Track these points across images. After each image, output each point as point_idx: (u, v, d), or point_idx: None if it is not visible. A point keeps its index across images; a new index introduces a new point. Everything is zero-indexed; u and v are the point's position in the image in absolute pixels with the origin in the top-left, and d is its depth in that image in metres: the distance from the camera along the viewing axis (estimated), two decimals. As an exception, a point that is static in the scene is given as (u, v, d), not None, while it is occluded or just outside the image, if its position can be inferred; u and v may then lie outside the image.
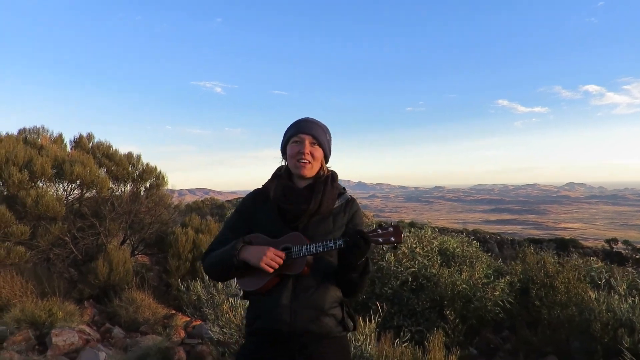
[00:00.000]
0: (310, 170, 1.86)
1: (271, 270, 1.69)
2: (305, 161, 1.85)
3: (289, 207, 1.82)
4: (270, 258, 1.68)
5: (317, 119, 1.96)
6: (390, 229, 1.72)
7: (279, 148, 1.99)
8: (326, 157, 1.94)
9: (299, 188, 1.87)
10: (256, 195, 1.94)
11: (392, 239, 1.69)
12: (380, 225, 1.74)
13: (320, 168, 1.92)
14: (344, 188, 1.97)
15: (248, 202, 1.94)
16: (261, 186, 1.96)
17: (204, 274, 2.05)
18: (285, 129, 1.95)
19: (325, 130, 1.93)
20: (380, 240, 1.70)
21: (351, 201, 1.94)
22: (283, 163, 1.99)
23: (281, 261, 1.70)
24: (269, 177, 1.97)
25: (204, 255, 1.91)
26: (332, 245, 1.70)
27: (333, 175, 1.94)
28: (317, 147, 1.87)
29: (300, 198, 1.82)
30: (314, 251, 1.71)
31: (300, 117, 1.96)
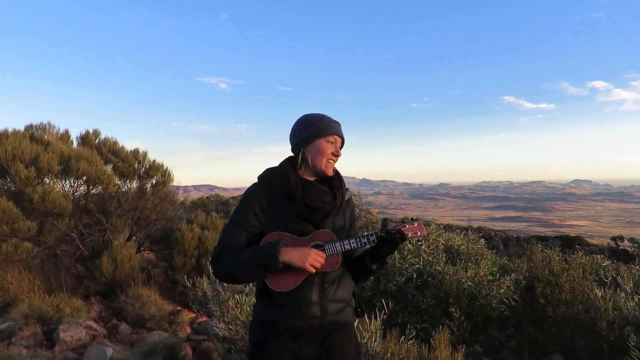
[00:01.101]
0: (332, 171, 1.88)
1: (314, 271, 1.70)
2: (333, 162, 1.87)
3: (319, 205, 1.80)
4: (314, 259, 1.68)
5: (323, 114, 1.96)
6: (415, 223, 1.83)
7: (293, 140, 1.89)
8: None
9: (321, 185, 1.86)
10: (267, 190, 1.82)
11: (419, 232, 1.82)
12: (403, 221, 1.86)
13: None
14: None
15: (260, 197, 1.80)
16: (262, 178, 1.86)
17: (215, 276, 1.81)
18: (305, 121, 1.88)
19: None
20: (410, 234, 1.81)
21: (351, 199, 2.00)
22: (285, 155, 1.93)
23: (323, 261, 1.71)
24: (277, 167, 1.87)
25: (216, 256, 1.75)
26: (366, 241, 1.78)
27: (339, 174, 1.96)
28: (339, 150, 1.90)
29: (327, 196, 1.84)
30: (348, 248, 1.75)
31: (319, 113, 1.91)
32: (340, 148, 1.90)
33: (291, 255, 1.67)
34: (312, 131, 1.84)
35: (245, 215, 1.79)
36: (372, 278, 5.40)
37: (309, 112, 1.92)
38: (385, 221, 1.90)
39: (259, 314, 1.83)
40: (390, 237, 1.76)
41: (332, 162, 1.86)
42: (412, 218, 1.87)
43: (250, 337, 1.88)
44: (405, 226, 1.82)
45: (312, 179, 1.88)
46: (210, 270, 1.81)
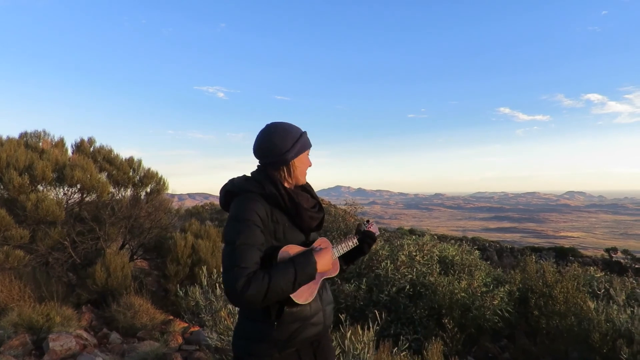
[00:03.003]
0: None
1: (335, 274, 1.84)
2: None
3: (316, 215, 1.87)
4: (334, 263, 1.81)
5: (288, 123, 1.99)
6: (374, 224, 2.08)
7: (276, 152, 1.80)
8: None
9: (304, 194, 1.92)
10: (263, 202, 1.74)
11: (377, 233, 2.05)
12: (361, 224, 2.07)
13: None
14: None
15: (261, 211, 1.71)
16: (248, 189, 1.76)
17: (248, 303, 1.55)
18: (289, 134, 1.83)
19: None
20: (376, 234, 2.05)
21: None
22: (258, 169, 1.88)
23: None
24: (262, 183, 1.78)
25: (237, 281, 1.53)
26: (352, 244, 1.95)
27: None
28: None
29: (315, 205, 1.92)
30: (342, 252, 1.90)
31: (279, 123, 1.88)
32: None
33: (322, 263, 1.71)
34: (300, 145, 1.85)
35: (253, 233, 1.66)
36: (364, 288, 5.38)
37: (276, 123, 1.86)
38: (359, 225, 2.05)
39: (260, 334, 1.73)
40: (367, 240, 1.97)
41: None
42: (367, 220, 2.09)
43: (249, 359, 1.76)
44: (370, 227, 2.04)
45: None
46: (224, 292, 1.66)
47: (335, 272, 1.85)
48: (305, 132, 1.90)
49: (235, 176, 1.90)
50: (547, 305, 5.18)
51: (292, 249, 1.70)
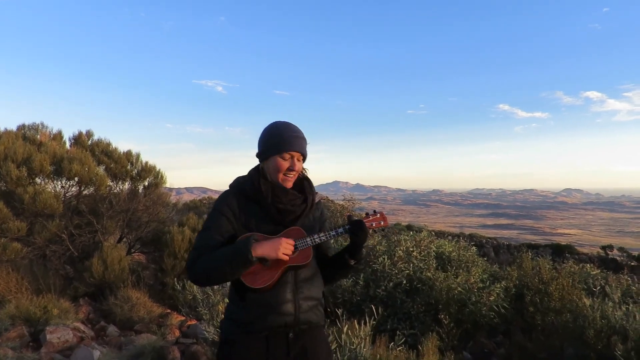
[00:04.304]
0: (292, 183, 1.94)
1: (287, 259, 1.77)
2: (291, 176, 1.92)
3: (289, 208, 1.89)
4: (285, 247, 1.75)
5: (295, 125, 1.97)
6: (378, 214, 1.99)
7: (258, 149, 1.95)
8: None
9: (291, 190, 1.93)
10: (237, 196, 1.90)
11: (382, 222, 1.98)
12: (367, 214, 1.99)
13: None
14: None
15: (231, 203, 1.88)
16: (233, 186, 1.94)
17: (191, 280, 1.84)
18: (266, 134, 1.92)
19: (306, 141, 1.98)
20: (374, 224, 1.96)
21: (319, 202, 2.08)
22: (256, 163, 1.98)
23: (293, 248, 1.79)
24: (246, 175, 1.96)
25: (192, 261, 1.79)
26: (334, 234, 1.88)
27: (309, 178, 2.03)
28: (301, 161, 1.95)
29: (297, 199, 1.93)
30: (318, 241, 1.85)
31: (280, 122, 1.95)
32: (304, 160, 1.96)
33: (263, 248, 1.74)
34: (268, 147, 1.90)
35: (218, 220, 1.86)
36: (362, 283, 5.40)
37: (277, 121, 1.97)
38: (350, 216, 1.99)
39: (233, 314, 1.87)
40: (354, 229, 1.88)
41: (290, 177, 1.91)
42: (374, 210, 2.01)
43: (220, 336, 1.93)
44: (369, 217, 1.97)
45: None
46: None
47: (303, 261, 1.81)
48: (286, 136, 1.89)
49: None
50: (542, 302, 5.21)
51: (245, 237, 1.80)
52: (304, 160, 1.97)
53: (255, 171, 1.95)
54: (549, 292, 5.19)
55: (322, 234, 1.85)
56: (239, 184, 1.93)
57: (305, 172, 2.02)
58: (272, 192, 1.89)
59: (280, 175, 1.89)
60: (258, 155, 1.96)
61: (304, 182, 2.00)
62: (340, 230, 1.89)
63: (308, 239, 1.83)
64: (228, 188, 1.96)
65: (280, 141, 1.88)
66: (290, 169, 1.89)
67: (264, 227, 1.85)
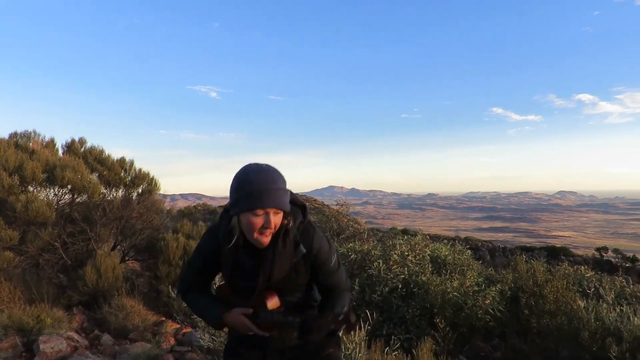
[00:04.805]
0: (269, 238, 1.68)
1: (251, 333, 1.77)
2: (268, 233, 1.66)
3: (241, 285, 1.78)
4: (245, 328, 1.74)
5: (273, 168, 1.69)
6: (344, 323, 1.70)
7: (230, 194, 1.70)
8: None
9: (248, 263, 1.74)
10: (218, 242, 1.76)
11: (343, 327, 1.72)
12: (338, 314, 1.73)
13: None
14: (307, 222, 1.79)
15: (211, 248, 1.80)
16: (212, 231, 1.82)
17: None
18: (236, 185, 1.66)
19: (285, 186, 1.70)
20: (332, 327, 1.68)
21: (310, 250, 1.77)
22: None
23: (255, 326, 1.74)
24: (223, 222, 1.75)
25: (181, 292, 1.96)
26: (290, 319, 1.68)
27: (287, 231, 1.71)
28: (280, 213, 1.67)
29: (249, 274, 1.74)
30: (277, 318, 1.71)
31: (252, 168, 1.67)
32: (286, 212, 1.69)
33: (232, 321, 1.78)
34: (238, 201, 1.65)
35: (198, 259, 1.89)
36: (357, 288, 5.40)
37: (249, 165, 1.69)
38: (306, 316, 1.73)
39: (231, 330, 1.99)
40: (303, 329, 1.67)
41: (266, 233, 1.65)
42: (347, 314, 1.74)
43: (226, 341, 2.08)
44: (337, 318, 1.70)
45: None
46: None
47: (265, 331, 1.74)
48: (256, 190, 1.61)
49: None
50: (537, 304, 5.22)
51: (222, 291, 1.89)
52: (285, 211, 1.68)
53: (224, 227, 1.74)
54: (543, 294, 5.20)
55: (281, 314, 1.71)
56: (213, 231, 1.82)
57: (289, 221, 1.71)
58: (231, 264, 1.75)
59: (255, 234, 1.65)
60: (229, 209, 1.71)
61: (269, 248, 1.69)
62: (297, 320, 1.67)
63: (268, 314, 1.72)
64: (210, 229, 1.88)
65: (251, 195, 1.61)
66: (265, 226, 1.63)
67: (238, 280, 1.79)
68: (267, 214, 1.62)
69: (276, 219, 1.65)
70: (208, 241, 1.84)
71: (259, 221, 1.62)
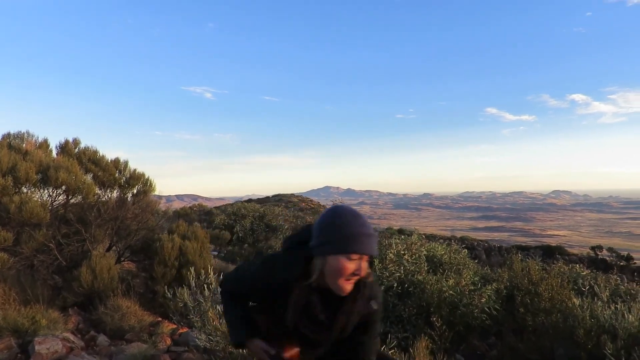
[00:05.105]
0: (347, 290, 1.61)
1: None
2: (352, 281, 1.59)
3: (311, 336, 1.67)
4: None
5: (364, 217, 1.62)
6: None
7: (313, 239, 1.62)
8: None
9: (319, 309, 1.66)
10: (287, 277, 1.64)
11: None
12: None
13: None
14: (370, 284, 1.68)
15: (280, 281, 1.65)
16: (279, 266, 1.68)
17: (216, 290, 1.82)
18: (329, 227, 1.59)
19: (377, 238, 1.67)
20: None
21: (373, 312, 1.69)
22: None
23: None
24: (290, 261, 1.66)
25: (225, 287, 1.90)
26: None
27: (365, 282, 1.64)
28: (366, 261, 1.61)
29: (323, 327, 1.67)
30: None
31: (349, 212, 1.61)
32: (371, 259, 1.62)
33: (256, 351, 1.75)
34: (333, 243, 1.56)
35: (262, 283, 1.71)
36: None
37: (343, 209, 1.63)
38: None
39: None
40: None
41: (351, 281, 1.58)
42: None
43: None
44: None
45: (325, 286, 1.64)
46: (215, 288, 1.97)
47: None
48: (355, 233, 1.55)
49: (313, 225, 1.71)
50: (532, 303, 5.25)
51: (261, 321, 1.80)
52: (369, 262, 1.62)
53: (298, 264, 1.63)
54: (538, 292, 5.23)
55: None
56: (285, 264, 1.67)
57: (370, 273, 1.65)
58: (300, 312, 1.64)
59: (341, 280, 1.56)
60: (313, 247, 1.61)
61: (357, 294, 1.62)
62: None
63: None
64: (282, 254, 1.73)
65: (350, 238, 1.55)
66: (356, 273, 1.57)
67: (281, 328, 1.69)
68: (360, 260, 1.56)
69: (365, 268, 1.59)
70: (280, 273, 1.65)
71: (351, 267, 1.55)
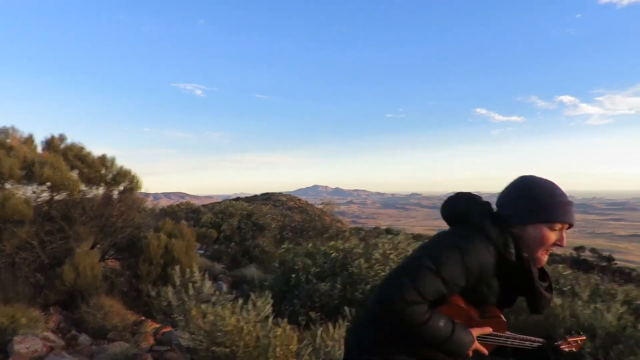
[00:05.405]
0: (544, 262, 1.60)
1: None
2: (548, 253, 1.57)
3: (548, 296, 1.60)
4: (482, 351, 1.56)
5: (558, 185, 1.59)
6: (577, 341, 1.74)
7: (513, 209, 1.56)
8: None
9: (542, 286, 1.60)
10: (493, 263, 1.51)
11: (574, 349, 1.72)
12: (568, 336, 1.76)
13: None
14: None
15: (487, 265, 1.49)
16: (495, 241, 1.50)
17: (403, 317, 1.44)
18: (534, 196, 1.54)
19: None
20: (566, 347, 1.72)
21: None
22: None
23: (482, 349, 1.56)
24: (506, 239, 1.51)
25: (407, 299, 1.43)
26: (529, 344, 1.65)
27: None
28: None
29: (550, 285, 1.64)
30: (509, 344, 1.61)
31: (548, 182, 1.57)
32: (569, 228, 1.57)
33: (476, 346, 1.54)
34: (537, 211, 1.52)
35: (457, 273, 1.47)
36: (339, 286, 5.42)
37: (542, 179, 1.59)
38: (550, 337, 1.73)
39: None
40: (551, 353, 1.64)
41: (548, 252, 1.56)
42: (579, 333, 1.77)
43: None
44: (568, 342, 1.74)
45: None
46: (386, 302, 1.36)
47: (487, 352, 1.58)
48: (561, 202, 1.52)
49: (476, 194, 1.69)
50: (515, 302, 5.33)
51: (459, 313, 1.52)
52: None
53: (505, 235, 1.51)
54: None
55: (516, 339, 1.60)
56: (496, 243, 1.50)
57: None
58: (539, 275, 1.58)
59: (541, 250, 1.53)
60: (515, 217, 1.55)
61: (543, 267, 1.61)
62: (537, 344, 1.66)
63: (502, 338, 1.57)
64: (479, 232, 1.52)
65: (555, 207, 1.51)
66: (557, 243, 1.53)
67: (488, 300, 1.58)
68: (561, 230, 1.53)
69: (565, 240, 1.55)
70: (486, 254, 1.49)
71: (552, 237, 1.52)
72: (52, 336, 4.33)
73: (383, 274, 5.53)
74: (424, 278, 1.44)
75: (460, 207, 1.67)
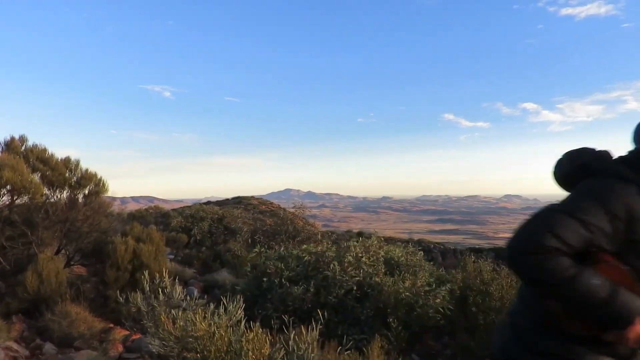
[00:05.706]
0: None
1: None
2: None
3: None
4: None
5: None
6: None
7: None
8: None
9: None
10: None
11: None
12: None
13: None
14: None
15: (633, 200, 1.30)
16: (629, 180, 1.34)
17: (521, 267, 1.30)
18: None
19: None
20: None
21: None
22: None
23: None
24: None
25: (546, 252, 1.24)
26: None
27: None
28: None
29: None
30: None
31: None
32: None
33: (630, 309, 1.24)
34: None
35: (597, 215, 1.29)
36: (312, 290, 5.41)
37: None
38: None
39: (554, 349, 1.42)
40: None
41: None
42: None
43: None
44: None
45: None
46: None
47: None
48: None
49: (581, 148, 1.55)
50: (484, 302, 5.46)
51: (616, 274, 1.27)
52: None
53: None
54: (489, 292, 5.44)
55: None
56: (638, 181, 1.32)
57: None
58: None
59: None
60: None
61: None
62: None
63: None
64: (608, 177, 1.37)
65: None
66: None
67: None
68: None
69: None
70: (630, 193, 1.29)
71: None
72: (15, 346, 4.16)
73: (357, 278, 5.57)
74: (561, 221, 1.29)
75: (585, 160, 1.52)
